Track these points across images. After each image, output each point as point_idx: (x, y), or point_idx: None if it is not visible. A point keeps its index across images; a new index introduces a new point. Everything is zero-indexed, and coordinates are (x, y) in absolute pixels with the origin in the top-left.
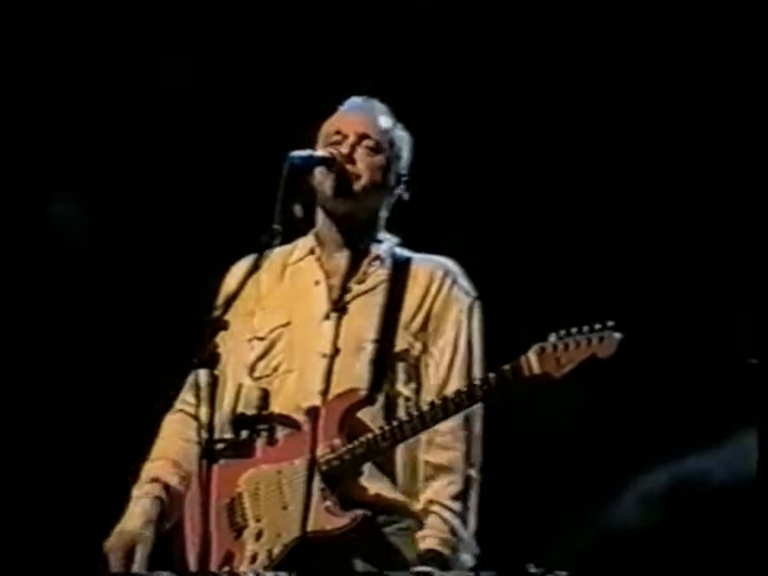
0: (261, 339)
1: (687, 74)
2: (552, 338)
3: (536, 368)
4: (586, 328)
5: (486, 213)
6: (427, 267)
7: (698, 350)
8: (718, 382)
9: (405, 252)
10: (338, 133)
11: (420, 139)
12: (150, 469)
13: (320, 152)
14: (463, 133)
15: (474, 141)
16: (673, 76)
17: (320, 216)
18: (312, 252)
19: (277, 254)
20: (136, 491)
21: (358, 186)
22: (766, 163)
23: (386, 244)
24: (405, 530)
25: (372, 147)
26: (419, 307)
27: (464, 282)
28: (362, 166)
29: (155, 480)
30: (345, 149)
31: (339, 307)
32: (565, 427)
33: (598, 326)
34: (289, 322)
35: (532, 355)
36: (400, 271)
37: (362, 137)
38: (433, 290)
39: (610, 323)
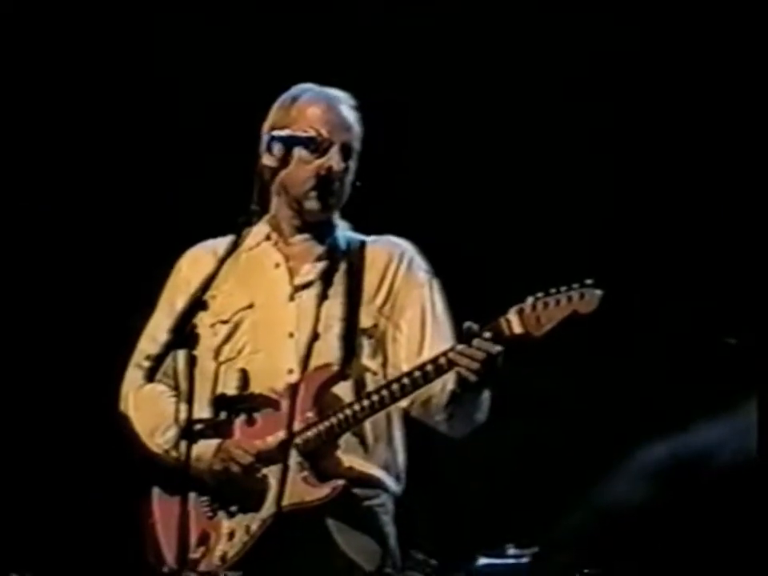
0: (224, 322)
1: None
2: (530, 299)
3: (516, 328)
4: (564, 287)
5: (448, 188)
6: (384, 248)
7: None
8: (713, 355)
9: (357, 236)
10: (316, 131)
11: (369, 116)
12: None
13: (301, 132)
14: (417, 106)
15: (424, 119)
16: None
17: (278, 204)
18: (268, 238)
19: (225, 241)
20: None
21: (340, 201)
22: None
23: (340, 229)
24: (381, 507)
25: (350, 155)
26: (380, 285)
27: (420, 260)
28: (347, 181)
29: None
30: (336, 164)
31: (302, 287)
32: (560, 402)
33: (576, 285)
34: (251, 304)
35: (512, 316)
36: (356, 254)
37: (345, 147)
38: (392, 268)
39: (589, 281)
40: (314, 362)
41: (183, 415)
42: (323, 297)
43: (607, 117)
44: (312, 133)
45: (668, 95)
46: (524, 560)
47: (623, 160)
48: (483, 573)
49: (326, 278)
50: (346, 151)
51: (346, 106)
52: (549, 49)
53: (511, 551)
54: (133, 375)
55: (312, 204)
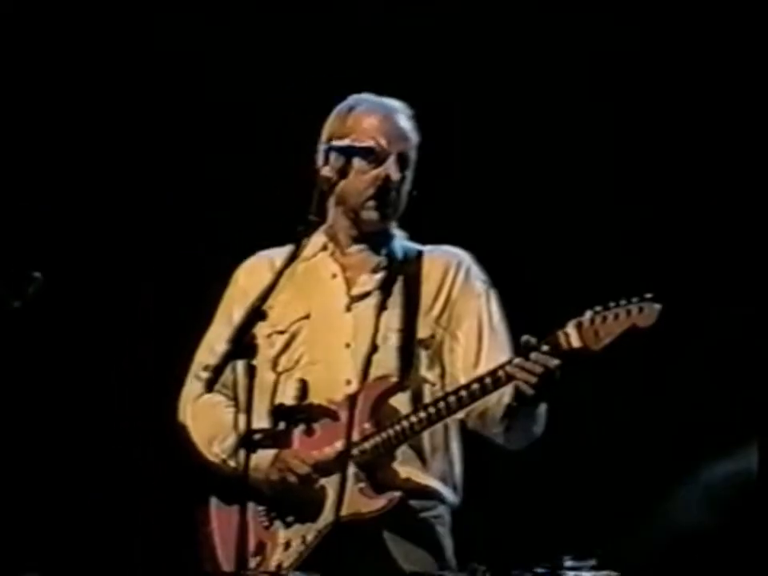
0: (281, 333)
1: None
2: (588, 313)
3: (575, 342)
4: (623, 301)
5: (498, 202)
6: (441, 258)
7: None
8: None
9: (414, 245)
10: (374, 140)
11: (424, 129)
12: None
13: (359, 142)
14: (467, 121)
15: (479, 129)
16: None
17: (335, 215)
18: (325, 248)
19: (283, 251)
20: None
21: (397, 211)
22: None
23: (397, 238)
24: (438, 518)
25: (407, 165)
26: (437, 295)
27: (477, 270)
28: (403, 191)
29: None
30: (395, 173)
31: (359, 298)
32: (621, 417)
33: (635, 299)
34: (308, 314)
35: (570, 329)
36: (414, 263)
37: (402, 158)
38: (449, 278)
39: (649, 295)
40: (372, 373)
41: (242, 425)
42: (380, 307)
43: (660, 132)
44: (371, 143)
45: (705, 110)
46: (583, 573)
47: (675, 178)
48: None
49: (383, 289)
50: (403, 161)
51: (402, 115)
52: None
53: (569, 563)
54: (191, 386)
55: (370, 214)
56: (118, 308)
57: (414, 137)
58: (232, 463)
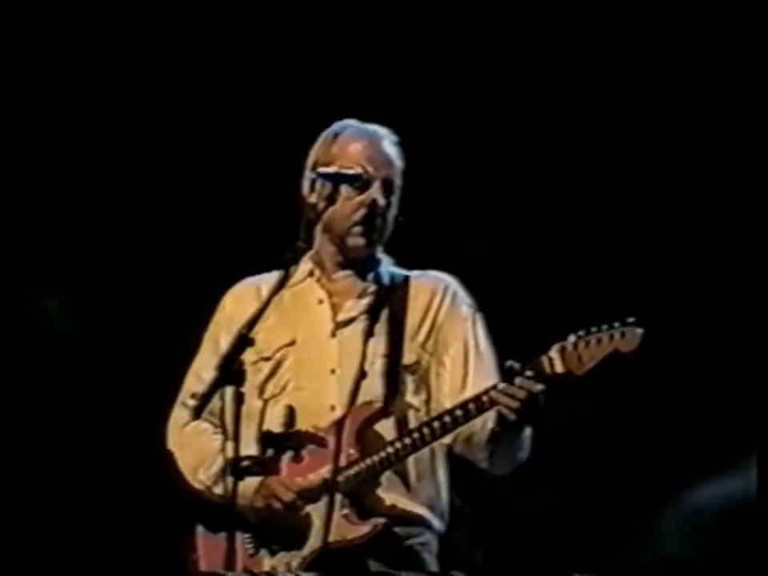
0: (267, 359)
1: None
2: (571, 337)
3: (558, 366)
4: (605, 326)
5: (484, 227)
6: (427, 283)
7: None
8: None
9: (401, 270)
10: (359, 165)
11: (410, 154)
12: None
13: (345, 169)
14: (453, 147)
15: (466, 155)
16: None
17: (323, 238)
18: (311, 274)
19: (270, 278)
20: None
21: (383, 237)
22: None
23: (384, 264)
24: (425, 546)
25: (392, 191)
26: (422, 320)
27: (463, 294)
28: (389, 217)
29: None
30: (380, 199)
31: (345, 324)
32: (600, 441)
33: (617, 323)
34: (294, 341)
35: (553, 354)
36: (400, 288)
37: (387, 183)
38: (435, 303)
39: (631, 319)
40: (358, 399)
41: (230, 453)
42: (367, 333)
43: (648, 146)
44: (358, 170)
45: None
46: None
47: (666, 202)
48: None
49: (369, 314)
50: (388, 186)
51: (387, 141)
52: (594, 83)
53: None
54: (178, 414)
55: (355, 240)
56: (104, 331)
57: (399, 162)
58: (217, 490)
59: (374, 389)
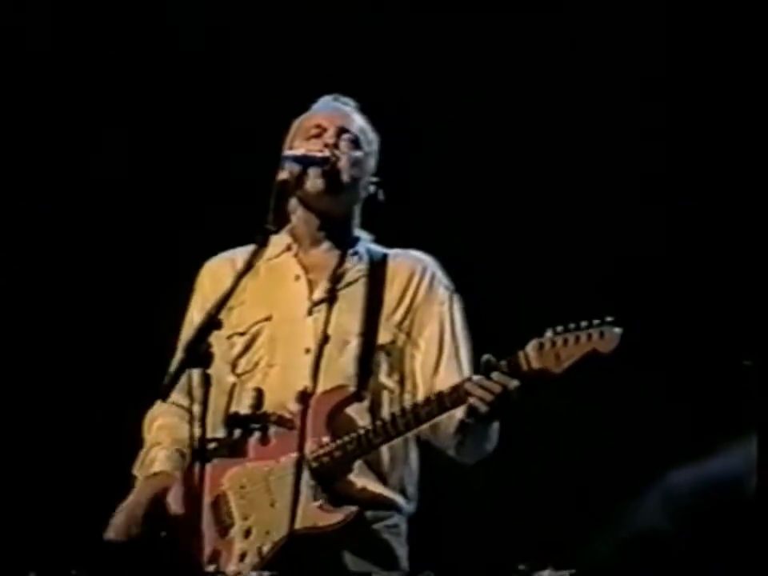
0: (241, 334)
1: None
2: (549, 333)
3: (534, 363)
4: (584, 323)
5: (470, 207)
6: (406, 262)
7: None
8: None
9: (380, 248)
10: (317, 126)
11: (393, 133)
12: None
13: (316, 152)
14: (437, 123)
15: (451, 133)
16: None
17: (298, 212)
18: (289, 248)
19: (245, 252)
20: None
21: (345, 178)
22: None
23: (362, 241)
24: (393, 528)
25: (352, 140)
26: (400, 300)
27: (442, 275)
28: (345, 159)
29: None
30: (330, 139)
31: (321, 302)
32: (578, 427)
33: (596, 321)
34: (269, 316)
35: (531, 350)
36: (378, 266)
37: (342, 130)
38: (413, 283)
39: (609, 318)
40: (330, 380)
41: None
42: (341, 312)
43: (635, 137)
44: (326, 153)
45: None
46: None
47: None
48: None
49: (345, 292)
50: (343, 132)
51: (344, 103)
52: (586, 61)
53: (546, 573)
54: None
55: (315, 183)
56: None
57: (359, 119)
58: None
59: (347, 369)
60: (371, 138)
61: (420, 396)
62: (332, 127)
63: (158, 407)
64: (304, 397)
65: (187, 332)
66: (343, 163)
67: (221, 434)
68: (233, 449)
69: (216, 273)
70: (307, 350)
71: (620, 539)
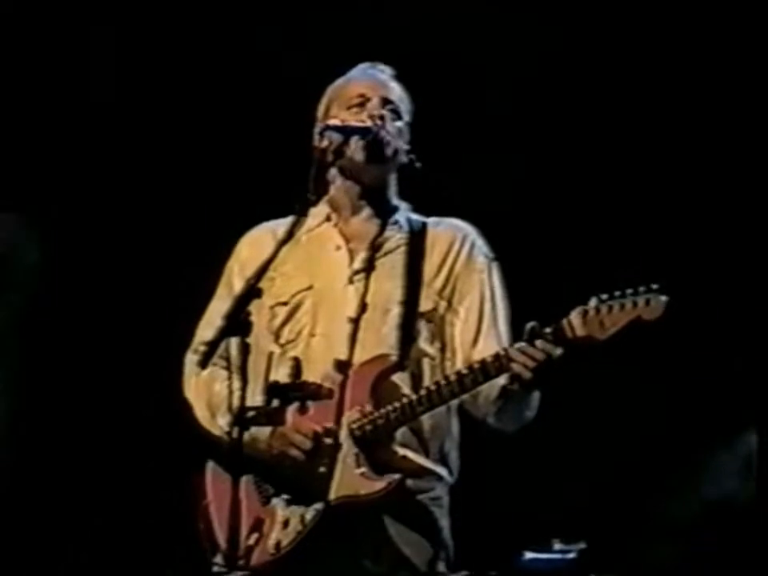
0: (284, 304)
1: None
2: (593, 301)
3: (579, 330)
4: (629, 291)
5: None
6: (446, 230)
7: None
8: None
9: (419, 217)
10: (360, 96)
11: (429, 100)
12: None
13: (355, 122)
14: (481, 95)
15: (493, 105)
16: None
17: (337, 182)
18: (328, 218)
19: (285, 223)
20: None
21: (388, 151)
22: None
23: (401, 210)
24: (437, 500)
25: (395, 111)
26: (440, 268)
27: (482, 244)
28: (390, 130)
29: None
30: (375, 110)
31: (361, 270)
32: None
33: (642, 289)
34: (311, 285)
35: (575, 317)
36: (418, 235)
37: (386, 101)
38: (453, 251)
39: (655, 286)
40: (372, 348)
41: (237, 402)
42: (383, 280)
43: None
44: (368, 123)
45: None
46: (570, 555)
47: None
48: (529, 567)
49: (386, 261)
50: (386, 103)
51: (384, 74)
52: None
53: (557, 546)
54: (191, 361)
55: (356, 155)
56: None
57: (398, 89)
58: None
59: (390, 336)
60: (409, 107)
61: (459, 364)
62: (375, 97)
63: (196, 374)
64: (343, 366)
65: (222, 301)
66: (386, 134)
67: (259, 402)
68: (271, 417)
69: (257, 241)
70: (350, 319)
71: (697, 502)
